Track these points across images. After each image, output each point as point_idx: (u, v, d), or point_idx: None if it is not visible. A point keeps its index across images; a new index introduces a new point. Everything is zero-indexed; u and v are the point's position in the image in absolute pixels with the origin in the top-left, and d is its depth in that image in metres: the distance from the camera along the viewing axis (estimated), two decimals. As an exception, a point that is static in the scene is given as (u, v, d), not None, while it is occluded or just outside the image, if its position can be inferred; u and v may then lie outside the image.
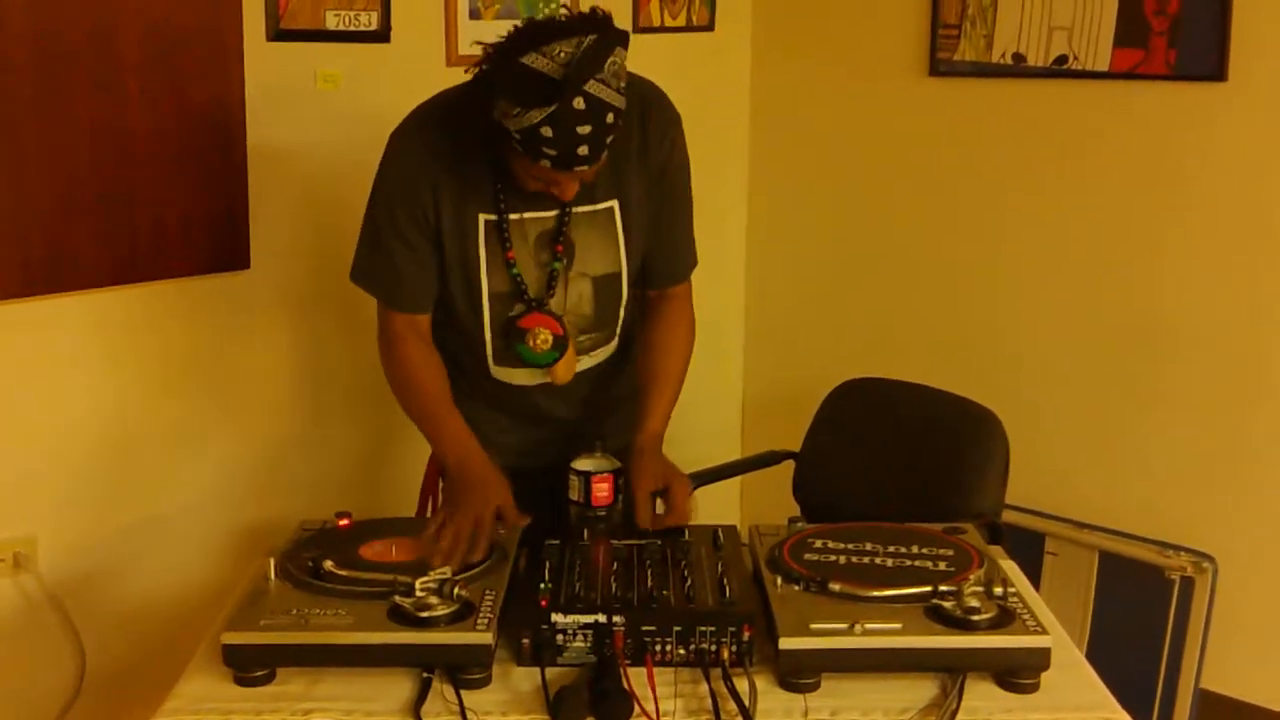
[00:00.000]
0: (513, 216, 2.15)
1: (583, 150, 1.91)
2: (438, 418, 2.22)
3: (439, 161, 2.12)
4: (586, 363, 2.28)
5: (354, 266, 2.25)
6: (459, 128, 2.10)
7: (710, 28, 3.75)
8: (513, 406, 2.33)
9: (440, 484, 2.40)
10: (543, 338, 2.19)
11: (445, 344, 2.29)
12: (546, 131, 1.88)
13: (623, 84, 1.94)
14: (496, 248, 2.16)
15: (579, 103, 1.87)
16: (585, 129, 1.89)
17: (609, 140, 1.95)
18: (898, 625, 1.74)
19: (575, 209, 2.16)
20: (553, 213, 2.16)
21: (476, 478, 2.14)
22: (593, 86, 1.88)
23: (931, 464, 2.67)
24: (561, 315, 2.20)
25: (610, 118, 1.92)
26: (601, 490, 2.12)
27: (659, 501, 2.13)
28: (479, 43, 1.99)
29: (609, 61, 1.90)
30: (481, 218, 2.15)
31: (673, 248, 2.31)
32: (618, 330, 2.30)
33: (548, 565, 1.92)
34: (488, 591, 1.84)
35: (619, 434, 2.25)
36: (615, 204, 2.19)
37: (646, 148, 2.19)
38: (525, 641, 1.78)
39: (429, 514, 2.42)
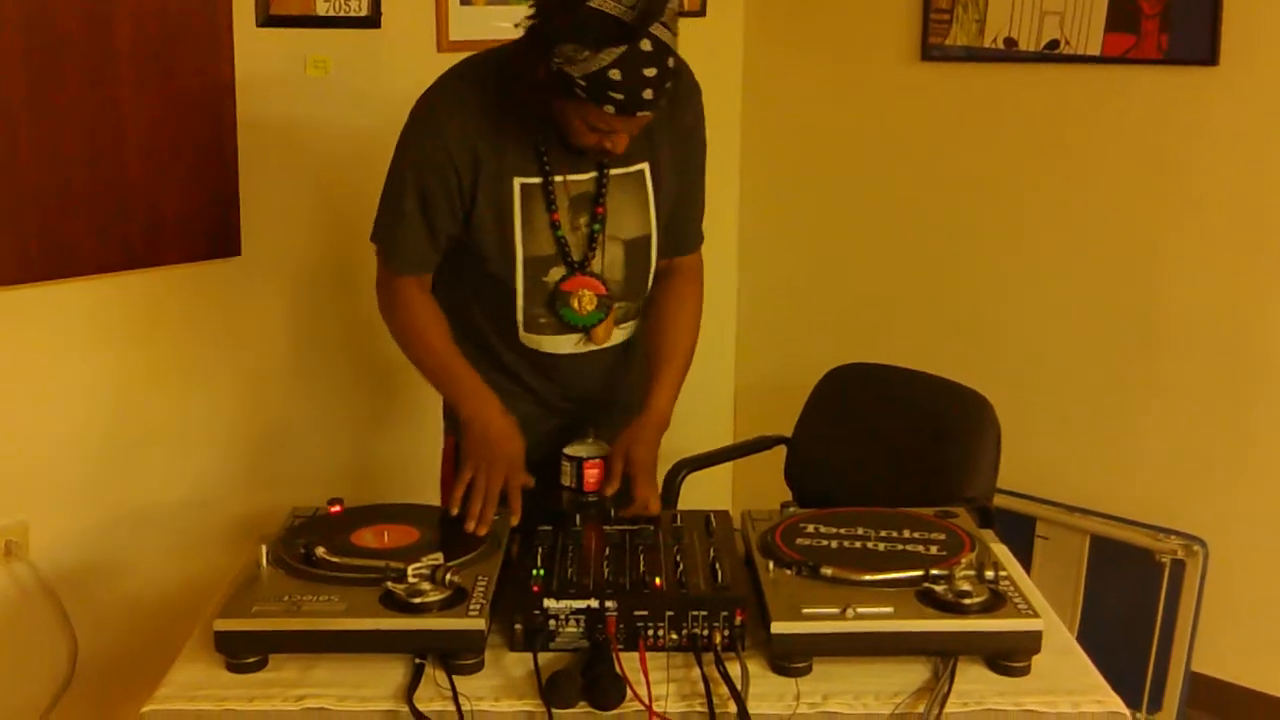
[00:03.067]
0: (556, 179, 2.14)
1: (648, 94, 1.91)
2: (449, 368, 2.20)
3: (478, 125, 2.09)
4: (618, 335, 2.27)
5: (375, 227, 2.22)
6: (497, 89, 2.08)
7: (702, 13, 3.74)
8: (534, 381, 2.30)
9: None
10: (587, 299, 2.18)
11: (472, 320, 2.27)
12: (615, 75, 1.88)
13: (677, 29, 1.93)
14: (533, 211, 2.14)
15: (646, 44, 1.87)
16: (651, 71, 1.89)
17: (668, 85, 1.94)
18: (889, 609, 1.74)
19: (611, 171, 2.16)
20: (588, 175, 2.15)
21: (497, 433, 2.14)
22: (657, 29, 1.88)
23: (923, 449, 2.68)
24: (603, 276, 2.20)
25: (671, 61, 1.92)
26: (593, 475, 2.12)
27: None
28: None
29: (669, 4, 1.90)
30: (517, 181, 2.13)
31: (687, 216, 2.30)
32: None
33: (540, 551, 1.92)
34: (480, 577, 1.84)
35: (622, 427, 2.23)
36: (646, 166, 2.19)
37: (674, 111, 2.17)
38: (518, 627, 1.78)
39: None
